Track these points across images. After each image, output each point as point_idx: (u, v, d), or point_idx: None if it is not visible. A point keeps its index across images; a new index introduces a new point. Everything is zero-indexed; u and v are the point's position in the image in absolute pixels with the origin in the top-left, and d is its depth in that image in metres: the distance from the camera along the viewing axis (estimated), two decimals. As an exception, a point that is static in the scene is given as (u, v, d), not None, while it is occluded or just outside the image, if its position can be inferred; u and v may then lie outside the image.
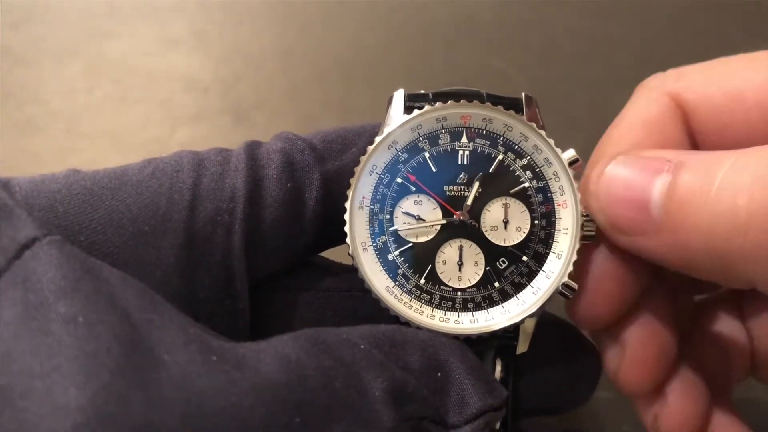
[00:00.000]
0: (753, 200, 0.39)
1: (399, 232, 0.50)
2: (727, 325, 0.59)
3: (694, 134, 0.51)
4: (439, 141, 0.50)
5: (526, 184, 0.50)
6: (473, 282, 0.50)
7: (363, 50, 1.05)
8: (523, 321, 0.49)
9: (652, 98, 0.52)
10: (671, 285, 0.55)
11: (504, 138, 0.50)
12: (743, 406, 0.58)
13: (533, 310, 0.49)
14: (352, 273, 0.50)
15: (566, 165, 0.49)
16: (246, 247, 0.49)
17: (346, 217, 0.50)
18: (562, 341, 0.54)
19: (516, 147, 0.50)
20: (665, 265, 0.46)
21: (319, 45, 1.06)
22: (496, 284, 0.50)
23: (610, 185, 0.46)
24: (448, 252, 0.50)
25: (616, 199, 0.46)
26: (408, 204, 0.50)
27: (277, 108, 0.99)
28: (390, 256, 0.50)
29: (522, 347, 0.51)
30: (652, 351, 0.53)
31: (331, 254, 0.55)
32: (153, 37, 1.03)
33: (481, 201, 0.50)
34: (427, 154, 0.50)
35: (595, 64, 1.02)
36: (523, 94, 0.51)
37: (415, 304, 0.50)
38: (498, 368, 0.51)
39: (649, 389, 0.55)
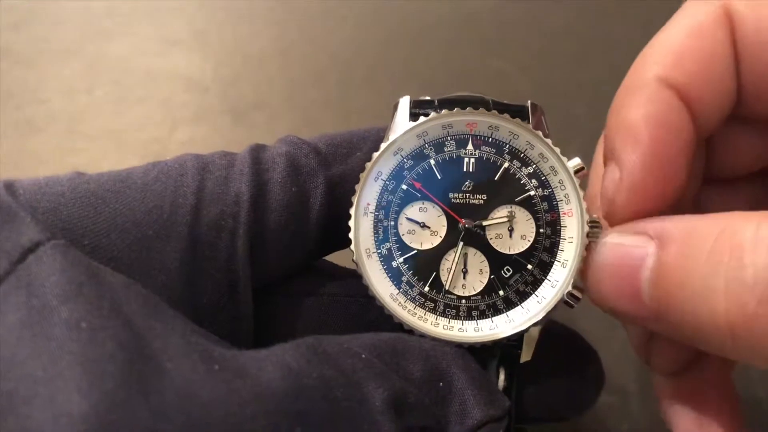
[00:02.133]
0: (729, 310, 0.39)
1: (403, 239, 0.50)
2: None
3: (738, 45, 0.49)
4: (445, 148, 0.50)
5: (532, 192, 0.50)
6: (478, 290, 0.50)
7: (362, 50, 1.05)
8: (527, 330, 0.49)
9: (701, 5, 0.50)
10: None
11: (510, 146, 0.50)
12: (744, 405, 0.58)
13: (537, 319, 0.49)
14: (355, 278, 0.50)
15: (572, 173, 0.49)
16: (250, 252, 0.48)
17: (351, 223, 0.50)
18: (565, 349, 0.54)
19: (522, 155, 0.50)
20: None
21: (319, 45, 1.05)
22: (501, 293, 0.50)
23: (602, 282, 0.47)
24: (453, 259, 0.50)
25: (610, 293, 0.46)
26: (413, 211, 0.50)
27: (276, 108, 0.99)
28: (394, 263, 0.50)
29: (526, 356, 0.50)
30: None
31: (335, 258, 0.55)
32: (153, 37, 1.02)
33: (487, 209, 0.50)
34: (432, 161, 0.50)
35: (595, 65, 1.02)
36: (529, 102, 0.51)
37: (419, 311, 0.50)
38: (501, 377, 0.51)
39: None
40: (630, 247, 0.45)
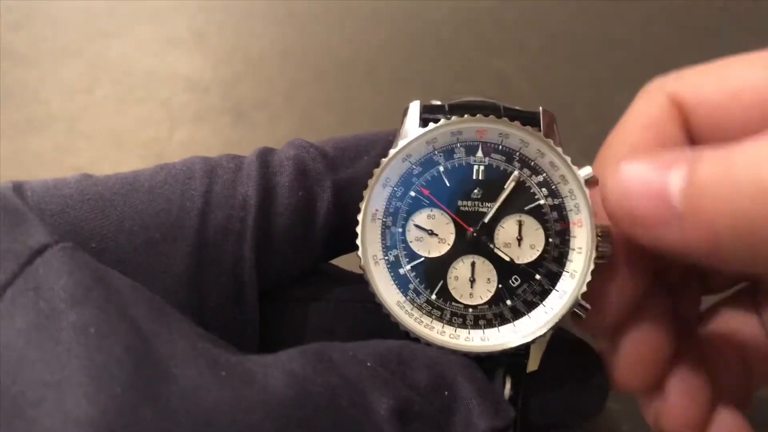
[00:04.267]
0: None
1: (411, 246, 0.50)
2: (743, 327, 0.58)
3: (693, 133, 0.50)
4: (454, 155, 0.50)
5: (541, 202, 0.50)
6: (485, 299, 0.50)
7: (363, 50, 1.05)
8: (534, 340, 0.49)
9: (651, 100, 0.51)
10: (671, 283, 0.55)
11: (520, 154, 0.50)
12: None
13: (545, 329, 0.49)
14: (362, 283, 0.50)
15: (582, 183, 0.48)
16: (257, 256, 0.48)
17: (359, 229, 0.49)
18: (571, 357, 0.54)
19: (532, 163, 0.49)
20: (690, 257, 0.45)
21: (319, 45, 1.05)
22: (508, 302, 0.49)
23: (627, 180, 0.45)
24: (461, 268, 0.50)
25: (633, 194, 0.44)
26: (421, 218, 0.50)
27: (277, 108, 0.99)
28: (402, 271, 0.50)
29: (532, 365, 0.50)
30: (646, 352, 0.53)
31: (341, 263, 0.55)
32: (153, 37, 1.02)
33: (496, 218, 0.50)
34: (441, 168, 0.50)
35: (595, 64, 1.02)
36: (540, 108, 0.51)
37: (426, 319, 0.49)
38: (507, 386, 0.50)
39: (643, 389, 0.54)
40: (662, 157, 0.44)
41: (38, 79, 0.97)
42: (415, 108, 0.51)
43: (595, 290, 0.49)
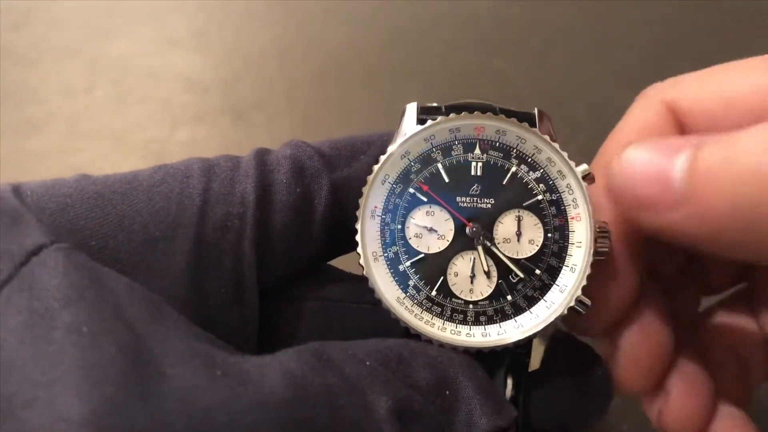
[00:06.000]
0: None
1: (410, 243, 0.50)
2: (740, 327, 0.59)
3: (689, 132, 0.51)
4: (452, 152, 0.50)
5: (540, 197, 0.50)
6: (485, 295, 0.50)
7: (362, 50, 1.05)
8: (535, 335, 0.49)
9: (648, 106, 0.52)
10: (667, 284, 0.55)
11: (517, 150, 0.50)
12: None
13: (546, 324, 0.48)
14: (361, 283, 0.50)
15: (580, 178, 0.48)
16: (256, 253, 0.48)
17: (358, 226, 0.49)
18: (574, 358, 0.54)
19: (529, 159, 0.50)
20: (692, 242, 0.45)
21: (319, 45, 1.06)
22: (509, 297, 0.49)
23: (632, 164, 0.45)
24: (460, 264, 0.50)
25: (637, 177, 0.45)
26: (420, 215, 0.50)
27: (276, 108, 0.99)
28: (401, 267, 0.50)
29: (534, 364, 0.50)
30: (646, 352, 0.53)
31: (341, 263, 0.55)
32: (153, 37, 1.03)
33: (494, 213, 0.50)
34: (440, 165, 0.50)
35: (595, 64, 1.02)
36: (536, 109, 0.51)
37: (426, 315, 0.49)
38: (509, 386, 0.50)
39: (645, 389, 0.54)
40: (667, 143, 0.44)
41: (38, 79, 0.97)
42: (412, 109, 0.51)
43: (592, 287, 0.49)
